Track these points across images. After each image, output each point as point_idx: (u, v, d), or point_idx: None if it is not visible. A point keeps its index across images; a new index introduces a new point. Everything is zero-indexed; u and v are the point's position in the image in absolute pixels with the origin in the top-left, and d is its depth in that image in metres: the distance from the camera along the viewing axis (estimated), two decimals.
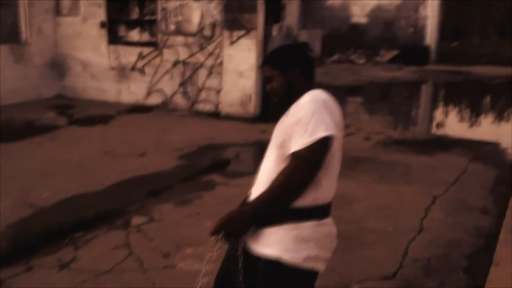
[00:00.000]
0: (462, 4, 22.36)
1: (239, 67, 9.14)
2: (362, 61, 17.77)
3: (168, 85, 9.97)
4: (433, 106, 12.64)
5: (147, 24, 10.29)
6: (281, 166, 2.12)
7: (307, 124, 2.03)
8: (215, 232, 2.14)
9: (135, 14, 10.49)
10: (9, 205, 5.06)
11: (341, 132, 2.18)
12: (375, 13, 19.34)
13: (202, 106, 9.65)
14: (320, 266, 2.20)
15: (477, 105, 12.95)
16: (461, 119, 10.83)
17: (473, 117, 11.19)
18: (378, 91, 13.92)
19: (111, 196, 5.42)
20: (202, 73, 9.62)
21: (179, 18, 9.69)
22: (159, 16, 9.90)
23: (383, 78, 15.07)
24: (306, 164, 2.02)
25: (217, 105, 9.52)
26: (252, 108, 9.15)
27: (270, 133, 7.64)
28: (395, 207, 5.12)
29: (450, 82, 15.19)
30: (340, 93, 13.24)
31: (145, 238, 4.46)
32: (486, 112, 11.85)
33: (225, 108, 9.39)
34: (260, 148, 7.54)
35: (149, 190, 5.54)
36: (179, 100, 9.85)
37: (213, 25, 9.40)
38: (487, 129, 9.59)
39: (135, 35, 10.48)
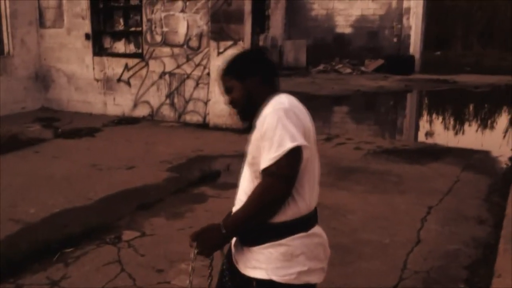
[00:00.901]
0: (445, 15, 22.65)
1: None
2: (347, 70, 17.83)
3: (155, 97, 9.87)
4: (421, 115, 12.70)
5: (133, 35, 10.19)
6: (255, 184, 2.02)
7: (272, 137, 1.92)
8: (190, 244, 2.08)
9: (120, 26, 10.39)
10: None
11: (313, 137, 2.07)
12: (360, 23, 19.46)
13: (189, 118, 9.55)
14: (315, 279, 2.11)
15: (465, 113, 13.04)
16: (450, 128, 10.88)
17: (461, 125, 11.25)
18: (365, 100, 13.95)
19: (100, 210, 5.30)
20: (189, 84, 9.54)
21: (165, 29, 9.61)
22: (144, 27, 9.81)
23: (370, 88, 15.12)
24: (277, 180, 1.91)
25: (205, 116, 9.43)
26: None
27: None
28: (390, 218, 5.06)
29: (436, 90, 15.31)
30: (327, 102, 13.27)
31: (137, 254, 4.35)
32: (474, 120, 11.92)
33: (213, 119, 9.30)
34: None
35: (139, 203, 5.43)
36: (166, 111, 9.75)
37: (200, 36, 9.33)
38: (476, 137, 9.63)
39: (120, 46, 10.38)
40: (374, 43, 19.19)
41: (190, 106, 9.58)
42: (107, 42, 10.48)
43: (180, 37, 9.50)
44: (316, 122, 7.57)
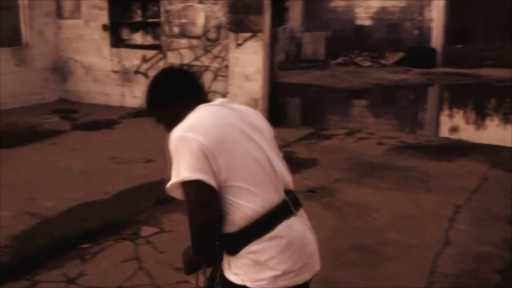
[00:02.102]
0: (467, 7, 22.18)
1: (245, 70, 8.91)
2: (367, 63, 17.56)
3: None
4: (444, 109, 12.42)
5: (151, 26, 10.07)
6: None
7: (173, 166, 1.93)
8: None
9: (138, 17, 10.27)
10: (11, 215, 4.84)
11: (238, 136, 1.97)
12: (380, 15, 19.14)
13: None
14: (297, 281, 1.99)
15: (489, 108, 12.73)
16: (474, 123, 10.61)
17: (486, 120, 10.95)
18: (385, 94, 13.69)
19: (117, 205, 5.21)
20: (208, 76, 9.39)
21: (183, 20, 9.46)
22: (162, 18, 9.68)
23: (390, 81, 14.84)
24: (193, 211, 1.90)
25: None
26: (259, 112, 8.91)
27: (278, 138, 7.36)
28: (416, 217, 4.89)
29: (459, 84, 14.97)
30: (346, 96, 13.06)
31: (155, 251, 4.24)
32: (498, 115, 11.61)
33: None
34: None
35: (157, 198, 5.31)
36: None
37: (218, 28, 9.18)
38: (502, 133, 9.36)
39: (138, 38, 10.26)
40: (394, 36, 18.85)
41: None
42: (125, 34, 10.37)
43: (198, 29, 9.35)
44: (335, 116, 7.36)
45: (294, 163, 6.73)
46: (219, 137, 1.93)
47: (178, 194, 1.94)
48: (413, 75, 15.99)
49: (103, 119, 8.85)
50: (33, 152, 7.03)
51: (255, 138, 2.01)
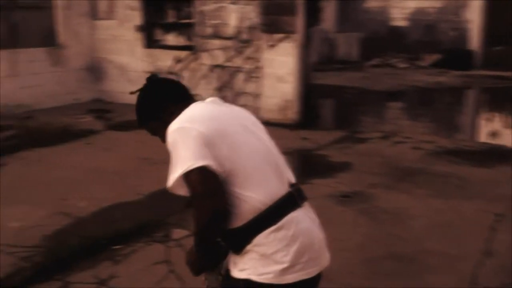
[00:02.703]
0: (506, 8, 21.58)
1: (278, 72, 8.82)
2: (402, 65, 17.24)
3: (205, 90, 9.70)
4: (484, 113, 12.04)
5: (184, 27, 10.07)
6: None
7: (174, 161, 1.87)
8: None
9: (171, 18, 10.28)
10: (45, 215, 4.87)
11: (238, 125, 1.97)
12: (416, 16, 18.76)
13: None
14: (305, 274, 1.92)
15: None
16: None
17: None
18: (422, 96, 13.38)
19: (149, 206, 5.18)
20: (240, 77, 9.34)
21: (216, 21, 9.43)
22: (195, 19, 9.66)
23: (427, 83, 14.50)
24: (201, 199, 1.81)
25: (255, 111, 9.17)
26: (292, 114, 8.82)
27: (311, 140, 7.23)
28: (456, 226, 4.70)
29: (498, 87, 14.52)
30: (381, 98, 12.80)
31: None
32: None
33: (264, 114, 9.05)
34: (302, 156, 7.21)
35: (189, 200, 5.26)
36: None
37: (251, 29, 9.10)
38: None
39: (171, 38, 10.28)
40: (431, 37, 18.44)
41: (240, 100, 9.38)
42: (158, 34, 10.40)
43: (231, 29, 9.30)
44: (370, 119, 7.13)
45: (327, 167, 6.62)
46: (218, 128, 1.91)
47: (182, 191, 1.89)
48: (450, 78, 15.60)
49: (136, 120, 8.85)
50: (67, 151, 7.08)
51: (254, 131, 2.02)
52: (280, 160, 2.05)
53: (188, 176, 1.80)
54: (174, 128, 1.89)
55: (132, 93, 2.20)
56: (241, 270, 1.94)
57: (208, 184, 1.80)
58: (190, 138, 1.84)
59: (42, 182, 5.80)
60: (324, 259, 2.03)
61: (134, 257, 4.15)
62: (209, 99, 2.10)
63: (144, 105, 2.16)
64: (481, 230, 4.59)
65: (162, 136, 2.04)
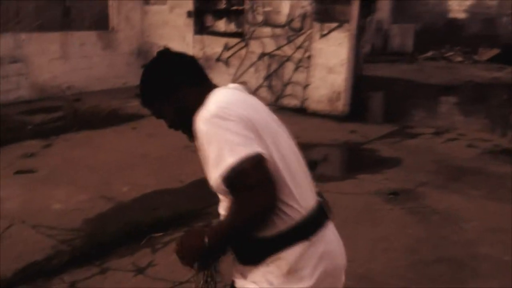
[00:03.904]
0: None
1: (329, 62, 8.59)
2: (458, 59, 16.60)
3: (253, 78, 9.59)
4: None
5: (234, 14, 9.95)
6: (225, 201, 1.71)
7: (209, 155, 1.59)
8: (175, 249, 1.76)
9: (222, 4, 10.18)
10: (87, 198, 4.87)
11: (271, 121, 1.73)
12: (475, 9, 18.02)
13: (287, 101, 9.19)
14: None
15: None
16: None
17: None
18: (478, 92, 12.82)
19: (190, 195, 5.10)
20: (289, 66, 9.16)
21: (267, 8, 9.26)
22: (246, 6, 9.52)
23: (483, 79, 13.83)
24: (252, 192, 1.55)
25: (303, 101, 9.03)
26: (341, 106, 8.58)
27: (360, 134, 6.95)
28: (510, 231, 4.41)
29: None
30: (435, 92, 12.32)
31: None
32: None
33: (311, 105, 8.88)
34: (349, 150, 7.00)
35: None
36: (264, 94, 9.44)
37: (303, 17, 8.90)
38: None
39: (221, 25, 10.18)
40: (489, 31, 17.66)
41: (288, 90, 9.22)
42: (208, 21, 10.33)
43: (282, 17, 9.12)
44: (422, 114, 6.76)
45: (375, 162, 6.39)
46: (260, 117, 1.67)
47: (222, 190, 1.63)
48: (507, 73, 14.89)
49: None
50: (113, 135, 7.11)
51: (284, 129, 1.79)
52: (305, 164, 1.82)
53: (238, 167, 1.54)
54: (212, 113, 1.61)
55: (143, 66, 1.91)
56: (254, 282, 1.73)
57: (263, 175, 1.56)
58: (236, 123, 1.58)
59: (87, 164, 5.83)
60: (340, 285, 1.83)
61: (173, 246, 4.08)
62: (232, 85, 1.83)
63: (152, 82, 1.85)
64: None
65: (169, 121, 1.85)
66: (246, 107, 1.67)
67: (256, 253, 1.70)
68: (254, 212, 1.58)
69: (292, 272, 1.67)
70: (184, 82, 1.80)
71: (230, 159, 1.54)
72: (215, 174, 1.59)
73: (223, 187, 1.60)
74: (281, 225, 1.65)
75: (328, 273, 1.73)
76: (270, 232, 1.65)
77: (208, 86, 1.80)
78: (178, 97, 1.79)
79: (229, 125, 1.58)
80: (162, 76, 1.82)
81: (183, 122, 1.79)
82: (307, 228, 1.69)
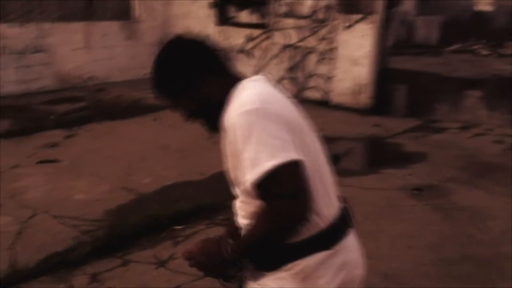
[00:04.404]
0: None
1: (353, 54, 8.46)
2: (484, 52, 16.28)
3: (276, 70, 9.50)
4: None
5: (257, 5, 9.86)
6: (252, 206, 1.59)
7: (244, 153, 1.46)
8: (187, 257, 1.68)
9: None
10: (109, 189, 4.88)
11: (305, 126, 1.61)
12: (501, 1, 17.65)
13: (310, 94, 9.09)
14: None
15: None
16: None
17: None
18: (505, 86, 12.55)
19: (211, 187, 5.07)
20: (313, 58, 9.05)
21: None
22: None
23: (510, 73, 13.62)
24: (288, 202, 1.45)
25: (326, 93, 8.92)
26: (365, 99, 8.46)
27: (384, 127, 6.78)
28: None
29: None
30: (461, 86, 12.09)
31: None
32: None
33: (335, 97, 8.77)
34: (373, 144, 6.89)
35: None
36: (287, 85, 9.36)
37: (328, 8, 8.76)
38: None
39: (244, 16, 10.11)
40: None
41: (311, 82, 9.12)
42: (231, 11, 10.26)
43: (306, 9, 9.00)
44: (447, 108, 6.58)
45: (399, 157, 6.28)
46: (292, 118, 1.57)
47: (251, 192, 1.54)
48: None
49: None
50: (135, 126, 7.11)
51: (310, 125, 1.68)
52: None
53: (276, 171, 1.43)
54: (250, 110, 1.48)
55: (159, 51, 1.72)
56: (262, 284, 1.66)
57: (300, 184, 1.47)
58: (276, 123, 1.47)
59: (109, 155, 5.84)
60: None
61: (194, 240, 4.05)
62: (258, 78, 1.68)
63: (170, 71, 1.66)
64: None
65: (191, 114, 1.70)
66: (282, 105, 1.57)
67: (274, 259, 1.62)
68: (286, 224, 1.50)
69: (307, 280, 1.61)
70: (207, 71, 1.65)
71: (267, 164, 1.44)
72: (249, 176, 1.48)
73: (254, 190, 1.51)
74: (304, 233, 1.57)
75: (345, 283, 1.66)
76: (292, 239, 1.57)
77: (233, 76, 1.69)
78: (200, 88, 1.64)
79: (269, 126, 1.47)
80: (182, 64, 1.65)
81: (205, 115, 1.69)
82: (330, 237, 1.63)
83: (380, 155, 6.54)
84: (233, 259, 1.58)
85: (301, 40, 9.13)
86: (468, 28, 17.68)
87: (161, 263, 3.72)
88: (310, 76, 9.11)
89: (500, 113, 9.51)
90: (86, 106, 7.83)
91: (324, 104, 8.72)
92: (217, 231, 4.14)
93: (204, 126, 1.74)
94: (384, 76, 8.62)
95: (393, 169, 5.77)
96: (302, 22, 9.06)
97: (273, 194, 1.46)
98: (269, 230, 1.51)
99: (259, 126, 1.46)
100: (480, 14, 18.12)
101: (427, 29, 17.73)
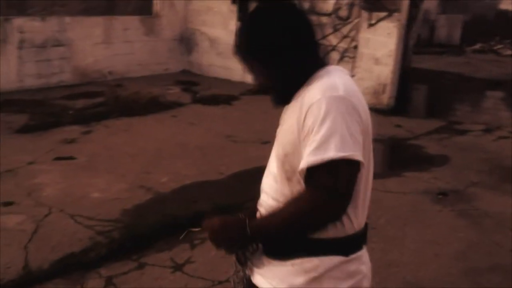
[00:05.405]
0: None
1: (375, 53, 8.29)
2: (508, 52, 15.96)
3: None
4: None
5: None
6: (286, 187, 1.57)
7: (316, 134, 1.42)
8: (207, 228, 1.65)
9: None
10: (126, 188, 4.79)
11: (371, 133, 1.59)
12: None
13: None
14: None
15: None
16: None
17: None
18: None
19: (230, 188, 4.97)
20: (334, 56, 8.88)
21: None
22: None
23: None
24: (332, 198, 1.43)
25: None
26: (386, 98, 8.29)
27: (406, 128, 6.57)
28: None
29: None
30: (484, 87, 11.85)
31: None
32: None
33: None
34: (395, 146, 6.73)
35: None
36: None
37: (351, 5, 8.60)
38: None
39: None
40: None
41: None
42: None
43: (329, 6, 8.84)
44: (471, 109, 6.37)
45: (422, 159, 6.12)
46: (368, 122, 1.55)
47: (297, 173, 1.50)
48: None
49: (223, 94, 8.71)
50: (153, 123, 7.03)
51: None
52: None
53: (337, 164, 1.41)
54: (338, 95, 1.45)
55: (251, 12, 1.67)
56: (269, 278, 1.64)
57: (351, 186, 1.48)
58: (357, 122, 1.46)
59: (127, 152, 5.75)
60: None
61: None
62: (342, 68, 1.66)
63: (260, 36, 1.57)
64: None
65: (265, 84, 1.64)
66: (362, 105, 1.53)
67: (290, 248, 1.58)
68: (321, 217, 1.49)
69: (315, 280, 1.57)
70: (296, 45, 1.55)
71: (335, 153, 1.41)
72: (310, 158, 1.43)
73: (304, 172, 1.48)
74: (332, 233, 1.55)
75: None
76: (317, 234, 1.55)
77: (319, 57, 1.63)
78: (284, 60, 1.55)
79: (349, 119, 1.44)
80: (274, 28, 1.55)
81: (280, 87, 1.63)
82: (351, 245, 1.61)
83: (402, 157, 6.39)
84: (252, 238, 1.56)
85: (323, 38, 8.96)
86: (492, 28, 17.35)
87: (178, 267, 3.63)
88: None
89: None
90: (104, 101, 7.76)
91: None
92: None
93: (272, 97, 1.68)
94: (408, 76, 8.44)
95: (416, 172, 5.62)
96: (324, 19, 8.89)
97: (323, 185, 1.44)
98: (301, 216, 1.49)
99: (341, 115, 1.43)
100: (504, 13, 17.77)
101: (449, 28, 17.43)
